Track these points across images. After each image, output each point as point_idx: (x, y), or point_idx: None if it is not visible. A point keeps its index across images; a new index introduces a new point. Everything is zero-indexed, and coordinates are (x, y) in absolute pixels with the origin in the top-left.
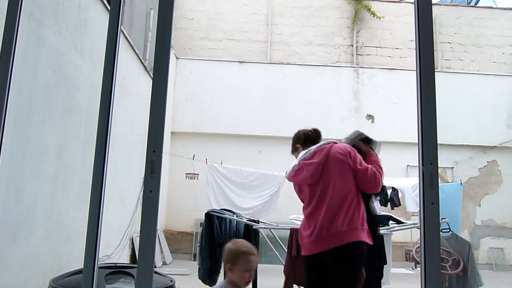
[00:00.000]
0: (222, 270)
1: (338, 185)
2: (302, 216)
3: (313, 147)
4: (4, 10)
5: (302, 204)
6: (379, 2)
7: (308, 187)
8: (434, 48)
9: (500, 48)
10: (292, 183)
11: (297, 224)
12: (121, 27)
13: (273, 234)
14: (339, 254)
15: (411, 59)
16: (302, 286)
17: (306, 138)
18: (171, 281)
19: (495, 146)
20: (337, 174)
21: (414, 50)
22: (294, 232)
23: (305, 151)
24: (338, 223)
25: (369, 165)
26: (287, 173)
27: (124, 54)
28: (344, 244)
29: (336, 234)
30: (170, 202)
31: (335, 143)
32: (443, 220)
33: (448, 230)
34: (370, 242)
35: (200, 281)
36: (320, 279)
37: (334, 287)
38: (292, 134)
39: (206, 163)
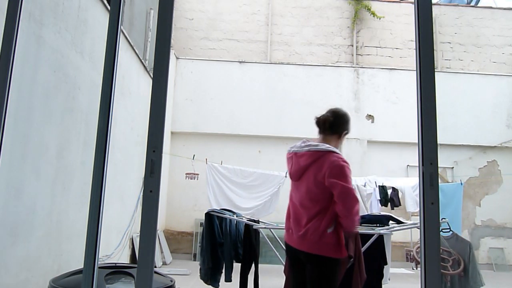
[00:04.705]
0: (224, 270)
1: (308, 193)
2: None
3: (308, 146)
4: (4, 10)
5: None
6: (379, 2)
7: (292, 180)
8: (434, 48)
9: (500, 48)
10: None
11: None
12: (121, 27)
13: (273, 234)
14: (298, 255)
15: (411, 59)
16: None
17: (318, 124)
18: (171, 281)
19: (495, 146)
20: (309, 182)
21: (414, 50)
22: None
23: (303, 142)
24: (301, 227)
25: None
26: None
27: (124, 54)
28: (303, 251)
29: (298, 237)
30: (170, 202)
31: (334, 152)
32: (443, 220)
33: (448, 230)
34: (329, 255)
35: (200, 281)
36: (298, 275)
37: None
38: (292, 134)
39: (206, 163)
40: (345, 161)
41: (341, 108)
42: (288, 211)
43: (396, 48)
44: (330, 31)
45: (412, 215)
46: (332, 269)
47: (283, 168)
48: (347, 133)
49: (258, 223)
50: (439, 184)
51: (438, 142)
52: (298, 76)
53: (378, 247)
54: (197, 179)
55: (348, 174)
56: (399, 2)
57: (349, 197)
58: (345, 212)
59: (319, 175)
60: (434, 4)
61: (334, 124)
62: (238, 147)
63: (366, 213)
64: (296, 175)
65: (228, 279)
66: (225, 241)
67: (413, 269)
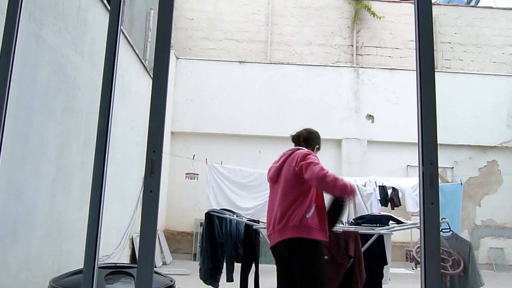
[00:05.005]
0: (224, 270)
1: (284, 188)
2: None
3: (283, 152)
4: (4, 10)
5: None
6: (379, 2)
7: (271, 186)
8: (434, 48)
9: (500, 48)
10: None
11: None
12: (121, 27)
13: None
14: (285, 248)
15: (411, 59)
16: None
17: (293, 140)
18: (171, 281)
19: (495, 146)
20: (284, 178)
21: (414, 50)
22: None
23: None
24: (280, 221)
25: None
26: None
27: (124, 54)
28: (285, 239)
29: (279, 230)
30: (170, 202)
31: (300, 149)
32: (443, 220)
33: (448, 230)
34: (310, 237)
35: (200, 281)
36: (284, 270)
37: (297, 278)
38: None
39: (206, 163)
40: (310, 152)
41: (312, 128)
42: (268, 218)
43: (396, 48)
44: (330, 31)
45: (412, 215)
46: (316, 251)
47: None
48: (319, 148)
49: (258, 223)
50: (439, 184)
51: (438, 142)
52: (298, 76)
53: (378, 247)
54: (197, 179)
55: (312, 157)
56: (399, 2)
57: (312, 167)
58: (321, 182)
59: (292, 165)
60: (434, 4)
61: (307, 138)
62: (238, 147)
63: (366, 213)
64: (275, 176)
65: (230, 279)
66: (225, 241)
67: (413, 269)
